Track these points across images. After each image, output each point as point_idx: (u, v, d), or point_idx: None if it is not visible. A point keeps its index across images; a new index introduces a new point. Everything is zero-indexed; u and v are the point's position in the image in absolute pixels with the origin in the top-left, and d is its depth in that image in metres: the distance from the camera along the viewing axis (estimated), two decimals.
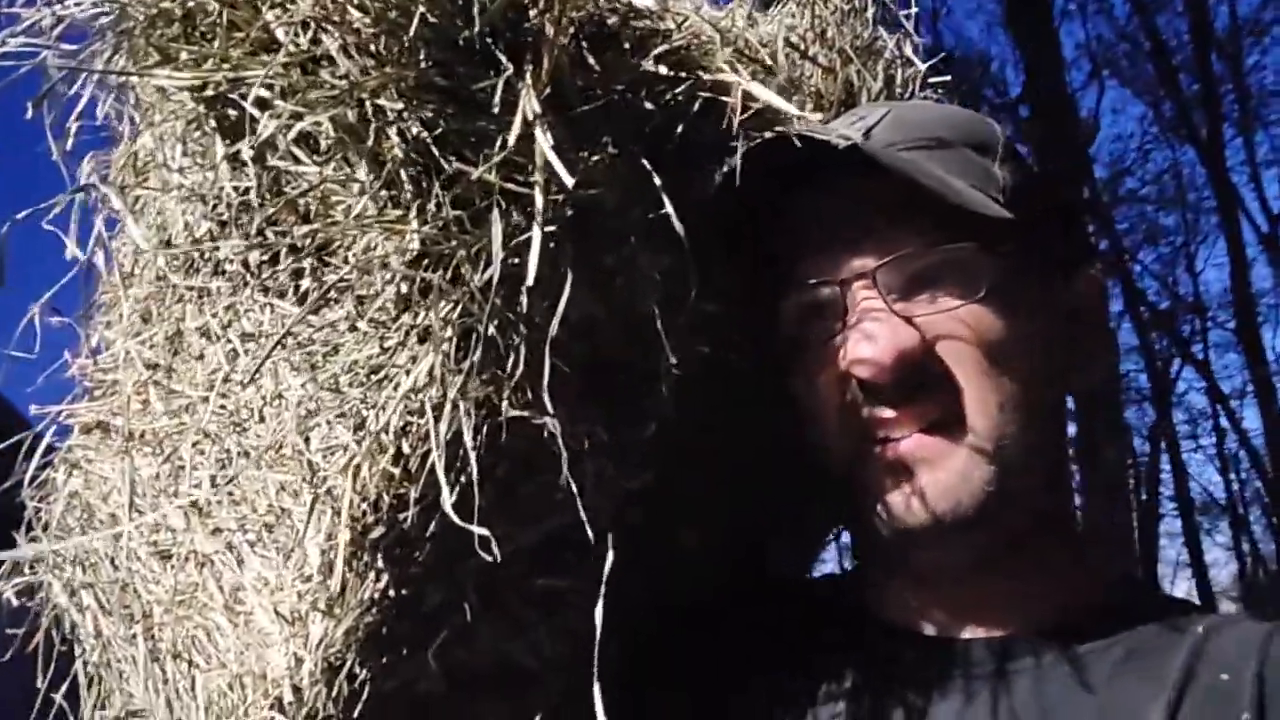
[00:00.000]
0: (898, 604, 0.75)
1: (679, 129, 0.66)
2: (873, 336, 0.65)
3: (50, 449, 0.97)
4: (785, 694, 0.74)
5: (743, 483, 0.82)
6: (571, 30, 0.60)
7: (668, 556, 0.79)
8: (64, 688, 0.94)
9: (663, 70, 0.66)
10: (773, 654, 0.77)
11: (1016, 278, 0.68)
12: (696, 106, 0.66)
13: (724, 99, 0.65)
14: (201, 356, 0.79)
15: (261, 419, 0.72)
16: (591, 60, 0.64)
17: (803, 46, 0.86)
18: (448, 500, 0.54)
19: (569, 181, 0.50)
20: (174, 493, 0.82)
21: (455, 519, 0.55)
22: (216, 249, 0.70)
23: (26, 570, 0.94)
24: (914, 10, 0.96)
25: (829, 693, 0.73)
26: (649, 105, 0.64)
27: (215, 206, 0.68)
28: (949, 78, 0.94)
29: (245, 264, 0.68)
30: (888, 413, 0.66)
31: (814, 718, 0.72)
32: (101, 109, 0.68)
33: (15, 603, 0.93)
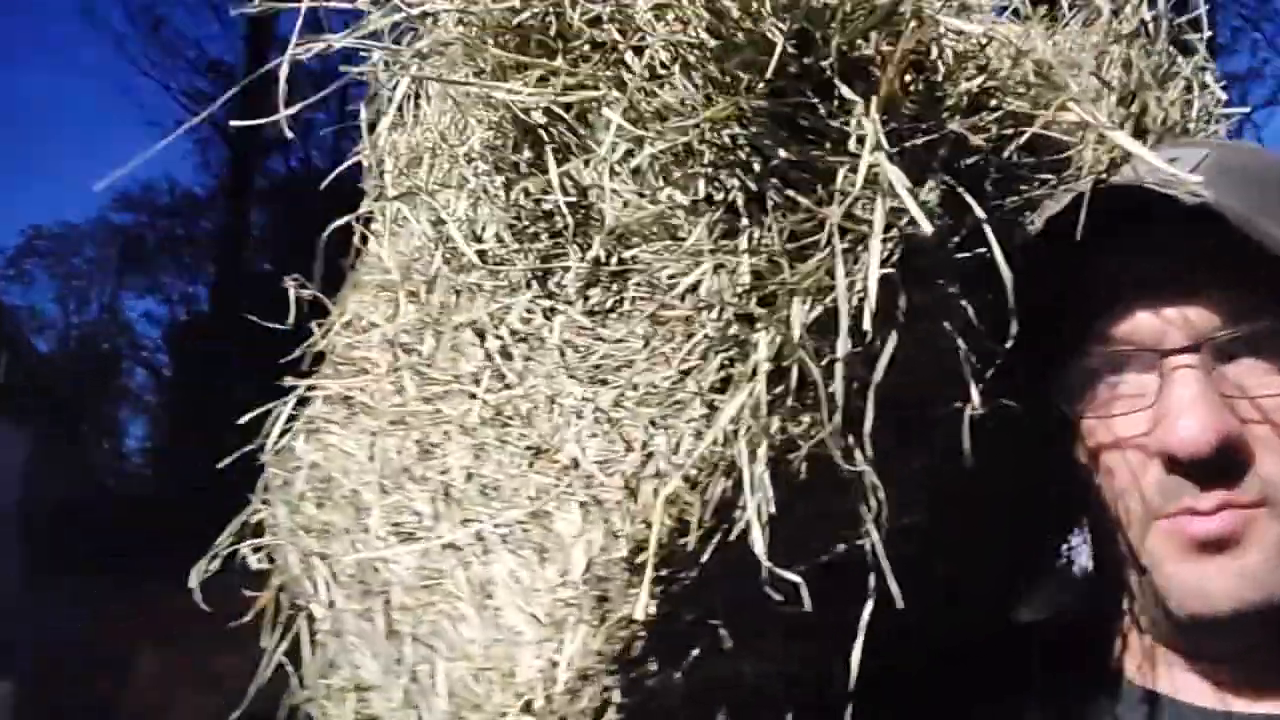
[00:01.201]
0: (1166, 674, 0.70)
1: (995, 163, 0.63)
2: (1197, 417, 0.61)
3: (291, 417, 1.01)
4: None
5: (1000, 525, 0.78)
6: (908, 56, 0.58)
7: (922, 595, 0.76)
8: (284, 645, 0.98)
9: (985, 99, 0.62)
10: (1014, 705, 0.74)
11: None
12: (1020, 141, 0.63)
13: (1057, 136, 0.62)
14: (464, 349, 0.80)
15: (528, 420, 0.73)
16: (915, 86, 0.61)
17: (1096, 69, 0.82)
18: (761, 543, 0.53)
19: (927, 227, 0.48)
20: (421, 477, 0.84)
21: (773, 568, 0.54)
22: (503, 250, 0.70)
23: (267, 534, 0.98)
24: (1209, 34, 0.90)
25: None
26: (966, 138, 0.61)
27: (508, 209, 0.68)
28: (1248, 109, 0.87)
29: (532, 270, 0.68)
30: (1197, 492, 0.62)
31: None
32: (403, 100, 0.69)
33: (254, 564, 0.97)
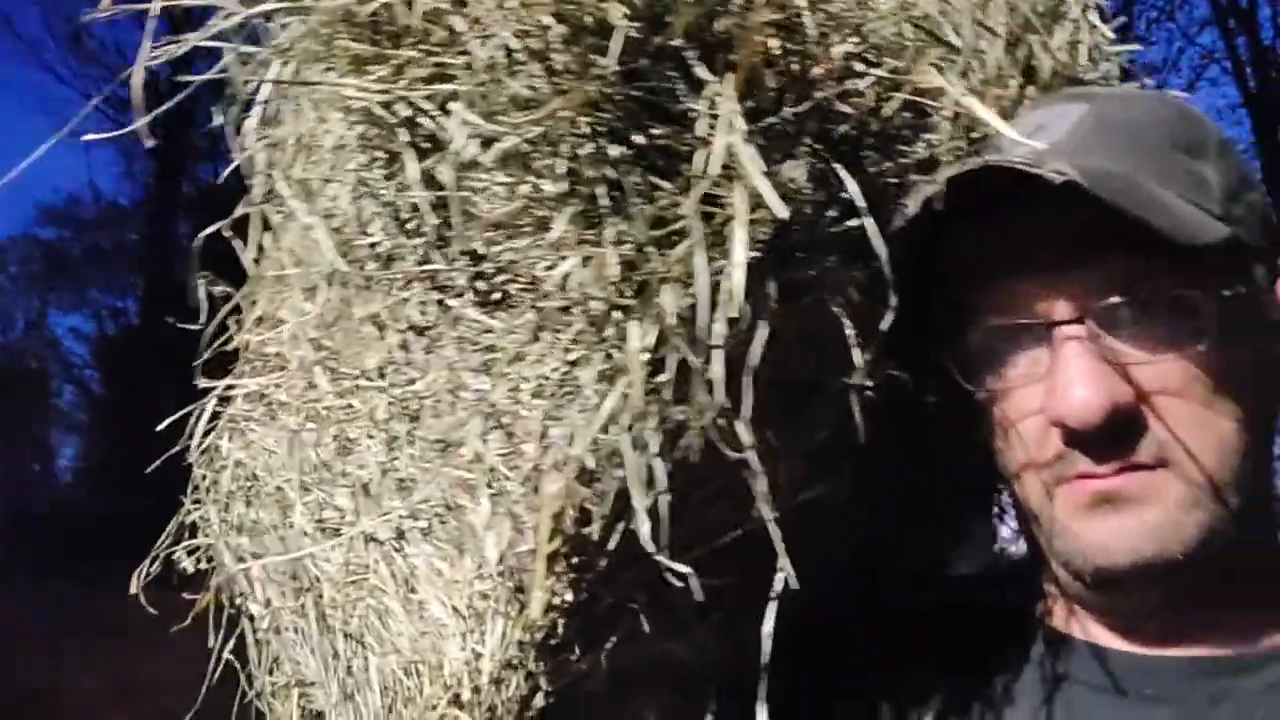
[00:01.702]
0: (1081, 620, 0.72)
1: (868, 135, 0.62)
2: (1084, 387, 0.61)
3: (215, 415, 1.00)
4: (955, 703, 0.73)
5: (897, 489, 0.79)
6: (768, 30, 0.57)
7: (827, 561, 0.77)
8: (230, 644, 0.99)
9: (856, 66, 0.62)
10: (936, 661, 0.76)
11: (1233, 310, 0.63)
12: (888, 106, 0.62)
13: (925, 102, 0.61)
14: (368, 343, 0.79)
15: (434, 414, 0.73)
16: (782, 56, 0.60)
17: (978, 13, 0.80)
18: (646, 533, 0.53)
19: (782, 212, 0.48)
20: (340, 472, 0.83)
21: (653, 552, 0.54)
22: (390, 244, 0.69)
23: (199, 536, 0.98)
24: None
25: (1000, 706, 0.71)
26: (838, 107, 0.61)
27: (390, 204, 0.67)
28: (1139, 46, 0.87)
29: (422, 262, 0.67)
30: (1093, 461, 0.63)
31: None
32: (265, 99, 0.67)
33: (190, 570, 0.97)
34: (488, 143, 0.52)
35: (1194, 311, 0.61)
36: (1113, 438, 0.62)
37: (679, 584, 0.57)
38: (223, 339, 0.97)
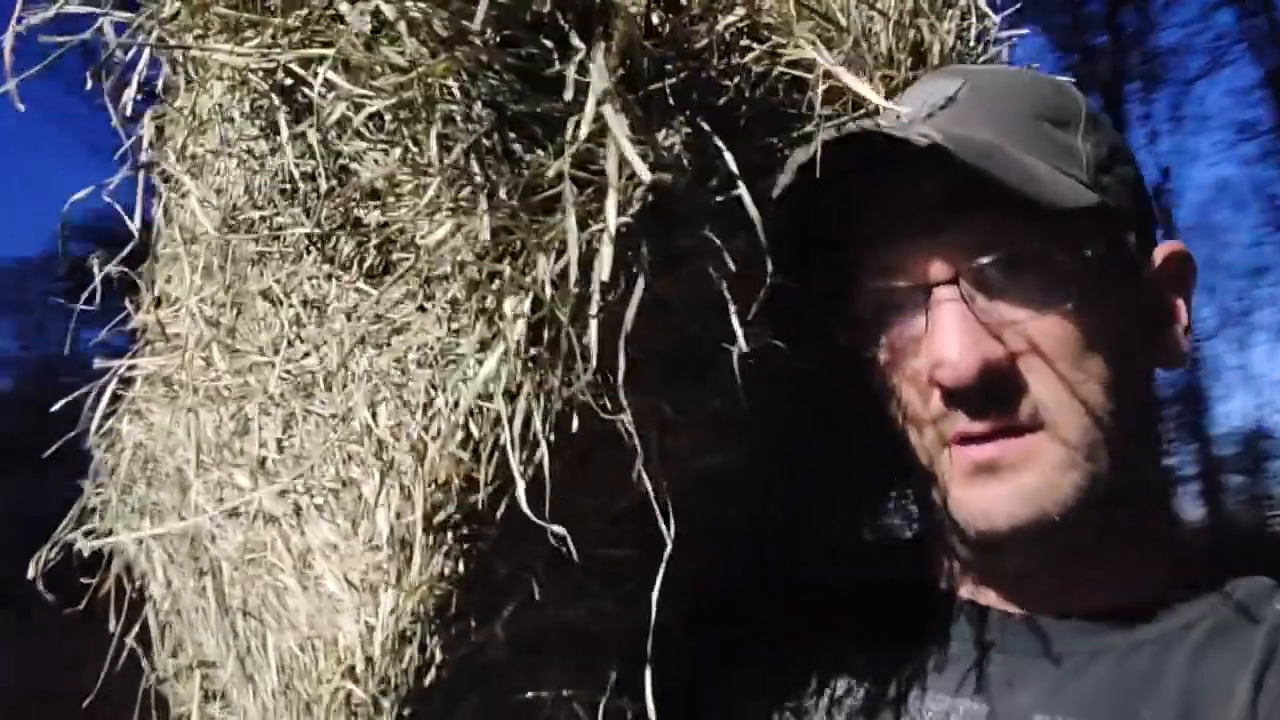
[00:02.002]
0: (973, 583, 0.74)
1: (748, 106, 0.63)
2: (956, 345, 0.63)
3: (115, 398, 0.98)
4: (850, 666, 0.75)
5: (808, 461, 0.81)
6: (646, 2, 0.57)
7: (729, 531, 0.79)
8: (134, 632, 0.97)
9: (729, 41, 0.63)
10: (836, 627, 0.77)
11: (1104, 272, 0.65)
12: (770, 80, 0.64)
13: (801, 74, 0.62)
14: (264, 318, 0.79)
15: (327, 387, 0.72)
16: (662, 29, 0.61)
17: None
18: (522, 495, 0.54)
19: (646, 176, 0.49)
20: (239, 451, 0.83)
21: (531, 515, 0.55)
22: (278, 215, 0.69)
23: (96, 520, 0.97)
24: None
25: (892, 666, 0.73)
26: (721, 79, 0.62)
27: (277, 175, 0.66)
28: (1025, 31, 0.89)
29: (307, 234, 0.67)
30: (970, 418, 0.65)
31: (879, 691, 0.73)
32: (144, 67, 0.66)
33: (87, 552, 0.95)
34: (358, 107, 0.52)
35: (1061, 272, 0.64)
36: (988, 395, 0.64)
37: (561, 548, 0.57)
38: (119, 319, 0.95)
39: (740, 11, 0.66)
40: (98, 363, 0.94)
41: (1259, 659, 0.64)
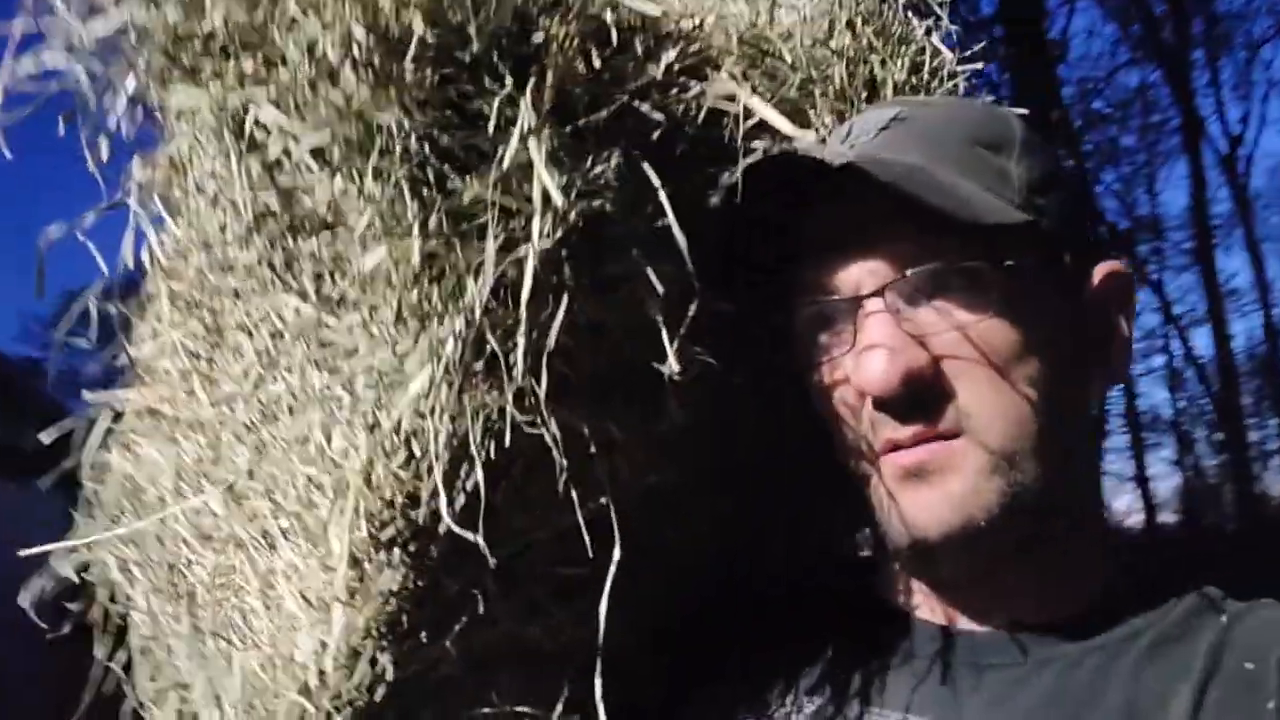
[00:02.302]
0: (917, 597, 0.76)
1: (684, 136, 0.66)
2: (882, 356, 0.65)
3: (109, 432, 1.02)
4: (799, 684, 0.76)
5: (767, 479, 0.83)
6: (577, 41, 0.61)
7: (688, 552, 0.81)
8: (122, 657, 1.00)
9: (669, 77, 0.66)
10: (792, 645, 0.79)
11: (1031, 285, 0.67)
12: (703, 114, 0.67)
13: (729, 107, 0.65)
14: (239, 349, 0.82)
15: (290, 412, 0.75)
16: (599, 67, 0.64)
17: (824, 37, 0.86)
18: (445, 511, 0.56)
19: (559, 201, 0.52)
20: (216, 478, 0.86)
21: (455, 529, 0.57)
22: (245, 250, 0.72)
23: (84, 549, 1.00)
24: None
25: (844, 684, 0.74)
26: (655, 114, 0.65)
27: (240, 213, 0.70)
28: (980, 65, 0.93)
29: (271, 265, 0.71)
30: (897, 426, 0.67)
31: (831, 709, 0.74)
32: (128, 122, 0.71)
33: (76, 579, 0.98)
34: (299, 141, 0.55)
35: (986, 285, 0.66)
36: (913, 403, 0.66)
37: (513, 563, 0.59)
38: (108, 356, 0.99)
39: (678, 51, 0.69)
40: (88, 396, 0.98)
41: (1200, 672, 0.64)
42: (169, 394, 0.92)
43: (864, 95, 0.86)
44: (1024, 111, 0.81)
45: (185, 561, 0.87)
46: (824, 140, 0.79)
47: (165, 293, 0.87)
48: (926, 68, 0.90)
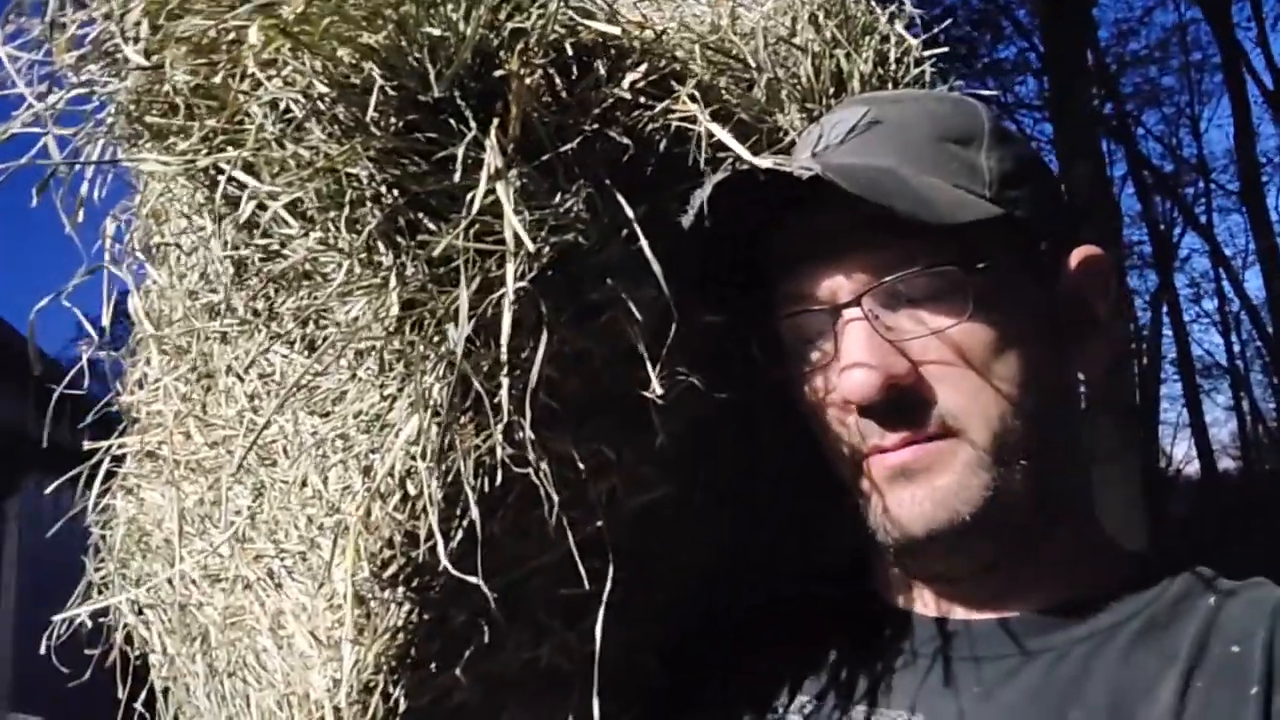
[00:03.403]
0: (909, 593, 0.76)
1: (653, 158, 0.66)
2: (861, 365, 0.66)
3: (110, 475, 1.03)
4: (797, 681, 0.77)
5: (761, 487, 0.84)
6: (540, 72, 0.61)
7: (694, 566, 0.82)
8: (142, 696, 1.02)
9: (633, 97, 0.66)
10: (785, 648, 0.80)
11: (1006, 281, 0.67)
12: (670, 132, 0.67)
13: (692, 127, 0.66)
14: (229, 392, 0.83)
15: (287, 455, 0.76)
16: (564, 96, 0.65)
17: (787, 34, 0.86)
18: (442, 553, 0.57)
19: (530, 247, 0.52)
20: (219, 520, 0.87)
21: (451, 570, 0.58)
22: (228, 298, 0.73)
23: (96, 593, 1.01)
24: None
25: (848, 685, 0.75)
26: (622, 137, 0.65)
27: (219, 265, 0.71)
28: (945, 49, 0.92)
29: (255, 312, 0.71)
30: (883, 433, 0.67)
31: (837, 712, 0.75)
32: (100, 184, 0.71)
33: (90, 624, 0.99)
34: (274, 198, 0.56)
35: (961, 285, 0.66)
36: (896, 409, 0.67)
37: (489, 591, 0.60)
38: (103, 403, 1.00)
39: (643, 69, 0.69)
40: (86, 445, 0.99)
41: (1187, 658, 0.65)
42: (165, 436, 0.93)
43: (831, 91, 0.85)
44: (994, 94, 0.81)
45: (196, 603, 0.88)
46: (793, 143, 0.79)
47: (152, 338, 0.88)
48: (892, 57, 0.90)
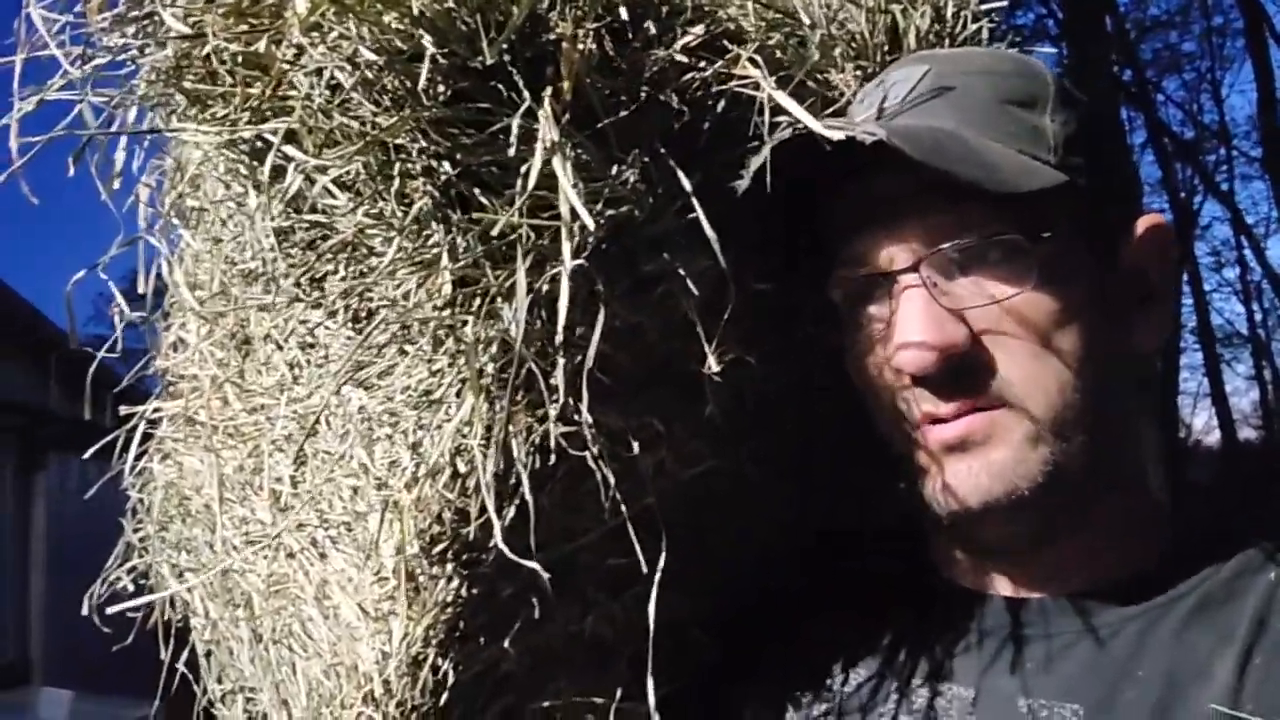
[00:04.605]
0: (964, 568, 0.75)
1: (707, 124, 0.64)
2: (918, 332, 0.64)
3: (146, 438, 1.03)
4: (854, 654, 0.76)
5: (815, 458, 0.82)
6: (591, 35, 0.59)
7: (749, 539, 0.80)
8: (184, 657, 1.02)
9: (687, 59, 0.63)
10: (838, 621, 0.79)
11: (1067, 249, 0.65)
12: (725, 98, 0.64)
13: (750, 92, 0.63)
14: (268, 360, 0.82)
15: (328, 425, 0.75)
16: (615, 60, 0.62)
17: None
18: (499, 536, 0.56)
19: (591, 225, 0.50)
20: (260, 487, 0.86)
21: (508, 553, 0.57)
22: (269, 265, 0.71)
23: (136, 556, 1.01)
24: None
25: (901, 656, 0.74)
26: (675, 103, 0.62)
27: (260, 233, 0.69)
28: (1005, 2, 0.88)
29: (296, 283, 0.70)
30: (938, 401, 0.66)
31: (883, 680, 0.74)
32: (134, 155, 0.69)
33: (131, 588, 1.00)
34: (323, 169, 0.54)
35: (1023, 254, 0.64)
36: (953, 378, 0.65)
37: (544, 573, 0.59)
38: (138, 367, 0.99)
39: (696, 30, 0.66)
40: (123, 409, 0.98)
41: (1245, 635, 0.64)
42: (203, 403, 0.92)
43: (886, 48, 0.82)
44: (1053, 52, 0.78)
45: (239, 569, 0.88)
46: (849, 103, 0.76)
47: (189, 302, 0.87)
48: (949, 12, 0.86)
